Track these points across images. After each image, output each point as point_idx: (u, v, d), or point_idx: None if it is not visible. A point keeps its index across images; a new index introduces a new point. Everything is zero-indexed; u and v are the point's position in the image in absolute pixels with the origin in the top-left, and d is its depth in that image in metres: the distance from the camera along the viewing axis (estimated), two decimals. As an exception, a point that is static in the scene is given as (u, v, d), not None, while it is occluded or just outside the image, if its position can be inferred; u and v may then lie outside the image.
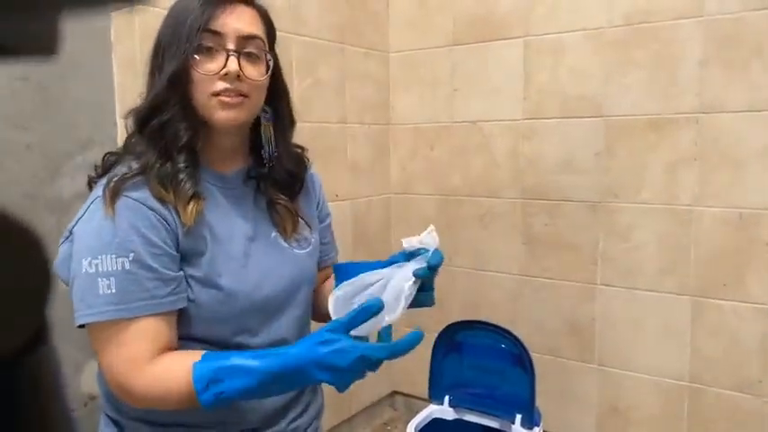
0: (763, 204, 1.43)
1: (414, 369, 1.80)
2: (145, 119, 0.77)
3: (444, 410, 1.38)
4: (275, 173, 0.86)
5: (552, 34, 1.66)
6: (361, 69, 1.85)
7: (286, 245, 0.86)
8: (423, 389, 1.47)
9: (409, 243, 0.78)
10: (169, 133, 0.76)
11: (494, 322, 1.38)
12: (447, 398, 1.39)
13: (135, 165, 0.76)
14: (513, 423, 1.29)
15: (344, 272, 0.79)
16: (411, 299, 0.73)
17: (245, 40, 0.78)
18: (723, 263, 1.48)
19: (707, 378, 1.52)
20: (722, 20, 1.43)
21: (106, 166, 0.79)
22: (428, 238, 0.77)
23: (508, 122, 1.75)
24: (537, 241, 1.75)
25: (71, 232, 0.76)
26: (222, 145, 0.82)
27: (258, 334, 0.82)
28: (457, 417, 1.38)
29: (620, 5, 1.55)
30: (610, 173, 1.62)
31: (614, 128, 1.60)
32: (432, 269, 0.75)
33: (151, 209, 0.74)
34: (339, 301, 0.75)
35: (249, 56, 0.79)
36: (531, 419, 1.28)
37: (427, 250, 0.77)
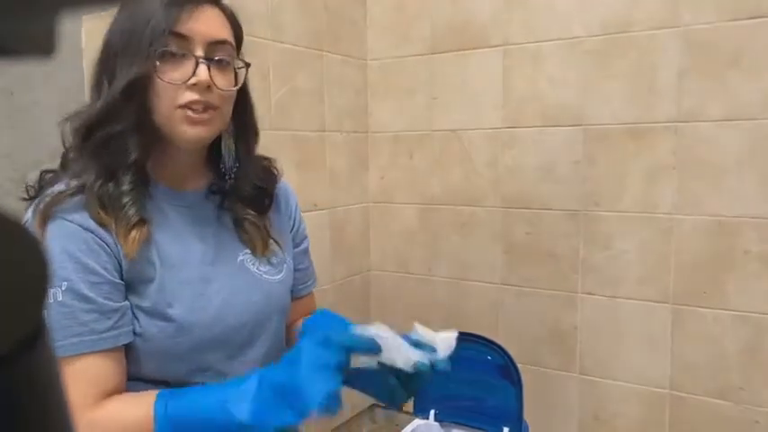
0: (741, 212, 1.44)
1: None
2: (89, 130, 0.67)
3: (430, 425, 1.35)
4: (240, 187, 0.77)
5: (531, 43, 1.66)
6: (339, 77, 1.83)
7: (255, 269, 0.77)
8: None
9: (423, 333, 0.69)
10: (116, 148, 0.67)
11: (476, 332, 1.36)
12: (432, 412, 1.36)
13: (73, 183, 0.67)
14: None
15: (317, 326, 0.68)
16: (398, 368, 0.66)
17: (214, 45, 0.70)
18: (703, 271, 1.50)
19: (688, 385, 1.53)
20: (699, 30, 1.45)
21: (42, 185, 0.70)
22: (444, 343, 0.69)
23: (488, 131, 1.74)
24: (518, 250, 1.74)
25: None
26: (179, 161, 0.73)
27: (220, 373, 0.72)
28: (443, 431, 1.35)
29: (597, 15, 1.56)
30: (590, 181, 1.62)
31: (593, 136, 1.61)
32: (430, 373, 0.66)
33: (88, 230, 0.66)
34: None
35: (219, 63, 0.70)
36: (519, 429, 1.26)
37: (434, 350, 0.68)
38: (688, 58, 1.47)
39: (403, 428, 1.35)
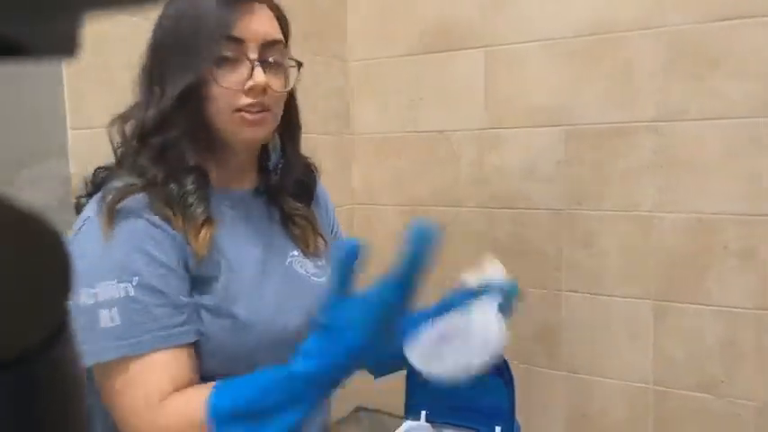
0: (721, 209, 1.48)
1: (379, 383, 1.76)
2: (144, 136, 0.68)
3: (421, 426, 1.35)
4: (286, 183, 0.78)
5: (514, 44, 1.68)
6: (321, 78, 1.82)
7: (303, 271, 0.77)
8: (389, 404, 1.43)
9: (474, 278, 0.70)
10: (173, 153, 0.67)
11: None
12: (424, 413, 1.35)
13: (133, 181, 0.67)
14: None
15: None
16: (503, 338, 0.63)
17: (268, 46, 0.70)
18: (684, 267, 1.53)
19: (671, 380, 1.56)
20: (681, 31, 1.48)
21: (96, 182, 0.69)
22: (493, 271, 0.70)
23: (473, 132, 1.75)
24: (502, 249, 1.75)
25: None
26: (231, 162, 0.74)
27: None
28: (434, 432, 1.35)
29: (579, 16, 1.58)
30: (573, 181, 1.64)
31: (576, 136, 1.63)
32: (510, 301, 0.69)
33: (156, 226, 0.65)
34: (424, 355, 0.67)
35: (272, 64, 0.70)
36: (510, 429, 1.27)
37: (490, 284, 0.69)
38: (669, 59, 1.50)
39: (394, 431, 1.35)
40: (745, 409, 1.48)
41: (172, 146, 0.67)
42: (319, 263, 0.81)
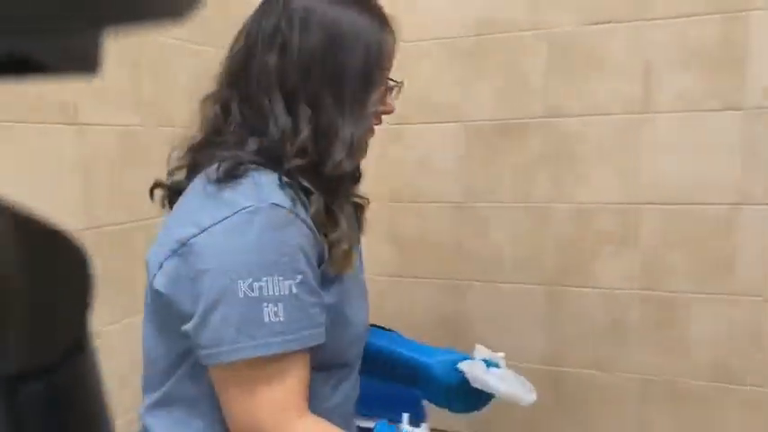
0: (602, 199, 1.60)
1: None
2: (303, 151, 0.69)
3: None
4: (359, 176, 0.83)
5: (413, 42, 1.72)
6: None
7: (359, 271, 0.81)
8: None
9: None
10: (330, 168, 0.70)
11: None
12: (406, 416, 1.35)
13: (287, 180, 0.68)
14: (401, 422, 1.29)
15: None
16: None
17: None
18: (573, 254, 1.63)
19: (566, 360, 1.66)
20: (562, 33, 1.58)
21: (235, 173, 0.67)
22: (482, 352, 0.96)
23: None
24: (406, 242, 1.78)
25: (183, 244, 0.63)
26: None
27: (353, 371, 0.77)
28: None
29: (471, 16, 1.65)
30: (471, 175, 1.71)
31: (472, 132, 1.69)
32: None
33: (310, 228, 0.67)
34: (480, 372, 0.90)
35: None
36: (418, 416, 1.29)
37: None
38: (552, 59, 1.60)
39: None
40: (631, 381, 1.60)
41: (337, 166, 0.70)
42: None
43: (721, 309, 1.52)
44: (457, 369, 0.93)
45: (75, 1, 0.15)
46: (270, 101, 0.70)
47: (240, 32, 0.76)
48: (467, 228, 1.72)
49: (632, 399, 1.60)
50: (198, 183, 0.70)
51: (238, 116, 0.72)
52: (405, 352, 0.98)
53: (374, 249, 1.81)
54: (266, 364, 0.61)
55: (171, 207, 0.77)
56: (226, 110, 0.73)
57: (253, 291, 0.60)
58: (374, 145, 1.75)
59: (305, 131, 0.69)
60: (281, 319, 0.61)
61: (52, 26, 0.15)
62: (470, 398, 0.92)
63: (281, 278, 0.61)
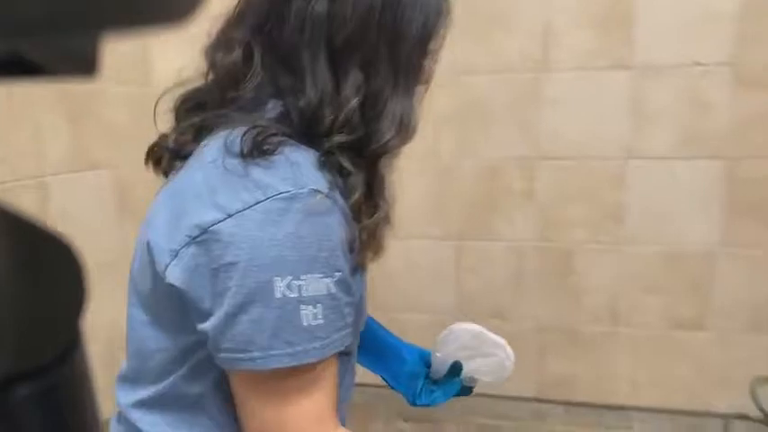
0: (506, 155, 1.65)
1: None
2: (347, 123, 0.59)
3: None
4: None
5: None
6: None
7: None
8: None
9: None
10: (380, 144, 0.61)
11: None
12: None
13: (323, 159, 0.58)
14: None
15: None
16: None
17: None
18: (478, 208, 1.69)
19: (471, 311, 1.73)
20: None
21: (265, 148, 0.55)
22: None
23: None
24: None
25: (204, 231, 0.53)
26: None
27: (353, 358, 0.72)
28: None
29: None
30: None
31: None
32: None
33: (346, 216, 0.58)
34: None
35: None
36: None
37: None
38: (458, 16, 1.61)
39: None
40: (529, 330, 1.70)
41: (373, 140, 0.61)
42: None
43: (612, 257, 1.62)
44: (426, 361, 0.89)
45: (74, 2, 0.14)
46: (311, 56, 0.58)
47: None
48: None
49: (529, 344, 1.70)
50: (212, 152, 0.58)
51: (260, 70, 0.60)
52: (377, 327, 0.95)
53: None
54: (302, 373, 0.54)
55: (166, 174, 0.66)
56: (247, 59, 0.60)
57: (291, 290, 0.52)
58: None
59: (352, 100, 0.58)
60: (320, 322, 0.54)
61: (50, 28, 0.14)
62: (440, 388, 0.87)
63: (320, 276, 0.54)
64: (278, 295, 0.52)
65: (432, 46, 0.66)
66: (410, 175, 1.71)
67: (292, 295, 0.52)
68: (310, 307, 0.53)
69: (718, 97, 1.51)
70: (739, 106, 1.50)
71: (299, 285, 0.52)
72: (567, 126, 1.61)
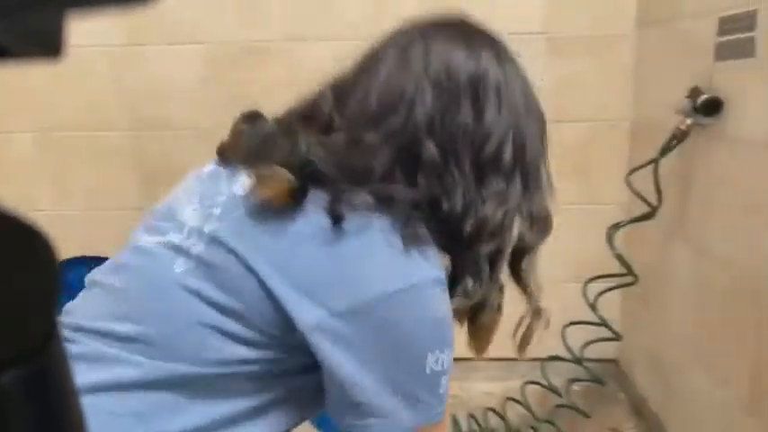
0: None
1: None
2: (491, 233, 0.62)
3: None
4: None
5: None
6: None
7: None
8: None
9: None
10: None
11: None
12: None
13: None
14: None
15: None
16: None
17: None
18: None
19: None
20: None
21: (415, 233, 0.60)
22: None
23: (110, 48, 1.65)
24: (152, 173, 1.72)
25: (356, 309, 0.57)
26: None
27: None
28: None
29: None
30: (214, 100, 1.67)
31: (214, 55, 1.65)
32: None
33: None
34: None
35: None
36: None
37: None
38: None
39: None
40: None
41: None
42: None
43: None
44: None
45: None
46: (458, 168, 0.62)
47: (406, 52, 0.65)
48: (212, 156, 1.70)
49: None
50: (364, 222, 0.58)
51: (402, 172, 0.62)
52: None
53: (117, 181, 1.73)
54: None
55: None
56: (389, 160, 0.61)
57: (438, 365, 0.59)
58: (110, 70, 1.65)
59: (497, 212, 0.62)
60: (447, 387, 0.62)
61: (12, 8, 0.14)
62: None
63: (450, 348, 0.61)
64: (426, 370, 0.58)
65: (546, 151, 0.70)
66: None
67: (438, 369, 0.59)
68: (445, 377, 0.60)
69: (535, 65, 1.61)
70: (553, 73, 1.61)
71: (443, 360, 0.59)
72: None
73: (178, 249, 0.63)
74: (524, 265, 0.67)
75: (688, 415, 1.33)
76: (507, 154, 0.63)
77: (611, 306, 1.69)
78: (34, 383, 0.18)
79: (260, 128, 0.73)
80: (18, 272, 0.18)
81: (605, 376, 1.75)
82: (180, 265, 0.62)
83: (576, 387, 1.66)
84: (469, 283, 0.63)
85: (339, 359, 0.56)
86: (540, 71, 1.59)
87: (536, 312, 0.69)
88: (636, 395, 1.63)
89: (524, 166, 0.65)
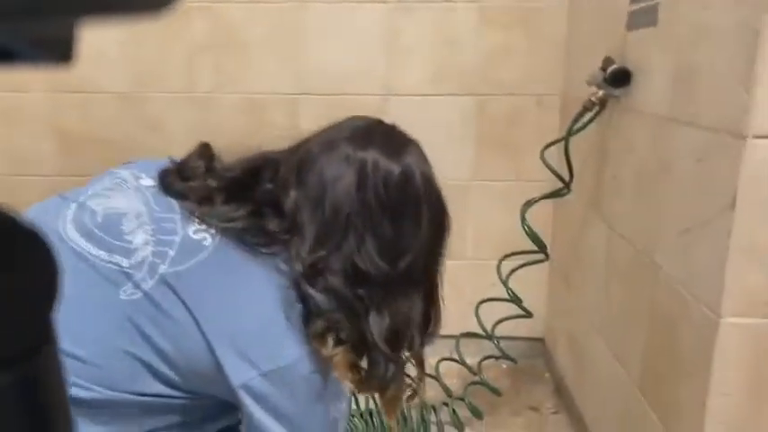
0: (267, 90, 1.61)
1: None
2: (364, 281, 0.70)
3: None
4: None
5: None
6: None
7: None
8: None
9: None
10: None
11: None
12: None
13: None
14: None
15: None
16: None
17: None
18: (242, 144, 1.64)
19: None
20: None
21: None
22: None
23: None
24: (71, 138, 1.65)
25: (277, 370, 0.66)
26: None
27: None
28: None
29: None
30: (136, 63, 1.61)
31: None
32: None
33: None
34: None
35: None
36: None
37: None
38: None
39: None
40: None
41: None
42: None
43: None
44: None
45: None
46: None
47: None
48: (135, 120, 1.64)
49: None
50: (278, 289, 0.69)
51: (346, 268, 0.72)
52: None
53: (34, 146, 1.66)
54: None
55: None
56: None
57: (338, 412, 0.73)
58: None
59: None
60: None
61: (27, 14, 0.14)
62: None
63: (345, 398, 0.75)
64: (329, 417, 0.71)
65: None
66: (171, 109, 1.63)
67: (338, 415, 0.72)
68: (343, 422, 0.75)
69: (466, 35, 1.56)
70: (484, 44, 1.56)
71: (341, 407, 0.73)
72: (327, 60, 1.60)
73: (127, 275, 0.66)
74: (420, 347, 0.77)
75: (595, 392, 1.32)
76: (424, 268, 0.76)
77: (537, 285, 1.66)
78: (19, 390, 0.18)
79: (217, 175, 0.78)
80: (14, 276, 0.17)
81: (533, 356, 1.73)
82: (126, 293, 0.65)
83: (504, 365, 1.65)
84: (379, 371, 0.71)
85: (260, 414, 0.65)
86: (474, 41, 1.54)
87: (420, 381, 0.79)
88: (557, 374, 1.61)
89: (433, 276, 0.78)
